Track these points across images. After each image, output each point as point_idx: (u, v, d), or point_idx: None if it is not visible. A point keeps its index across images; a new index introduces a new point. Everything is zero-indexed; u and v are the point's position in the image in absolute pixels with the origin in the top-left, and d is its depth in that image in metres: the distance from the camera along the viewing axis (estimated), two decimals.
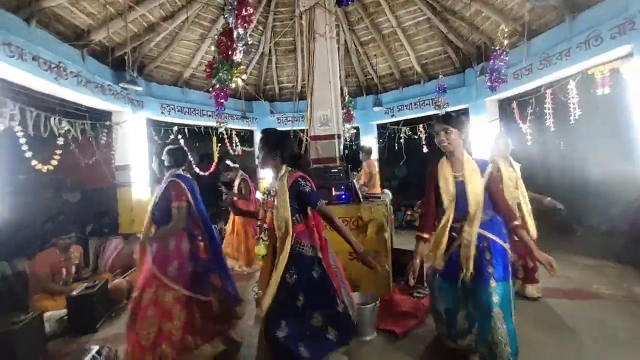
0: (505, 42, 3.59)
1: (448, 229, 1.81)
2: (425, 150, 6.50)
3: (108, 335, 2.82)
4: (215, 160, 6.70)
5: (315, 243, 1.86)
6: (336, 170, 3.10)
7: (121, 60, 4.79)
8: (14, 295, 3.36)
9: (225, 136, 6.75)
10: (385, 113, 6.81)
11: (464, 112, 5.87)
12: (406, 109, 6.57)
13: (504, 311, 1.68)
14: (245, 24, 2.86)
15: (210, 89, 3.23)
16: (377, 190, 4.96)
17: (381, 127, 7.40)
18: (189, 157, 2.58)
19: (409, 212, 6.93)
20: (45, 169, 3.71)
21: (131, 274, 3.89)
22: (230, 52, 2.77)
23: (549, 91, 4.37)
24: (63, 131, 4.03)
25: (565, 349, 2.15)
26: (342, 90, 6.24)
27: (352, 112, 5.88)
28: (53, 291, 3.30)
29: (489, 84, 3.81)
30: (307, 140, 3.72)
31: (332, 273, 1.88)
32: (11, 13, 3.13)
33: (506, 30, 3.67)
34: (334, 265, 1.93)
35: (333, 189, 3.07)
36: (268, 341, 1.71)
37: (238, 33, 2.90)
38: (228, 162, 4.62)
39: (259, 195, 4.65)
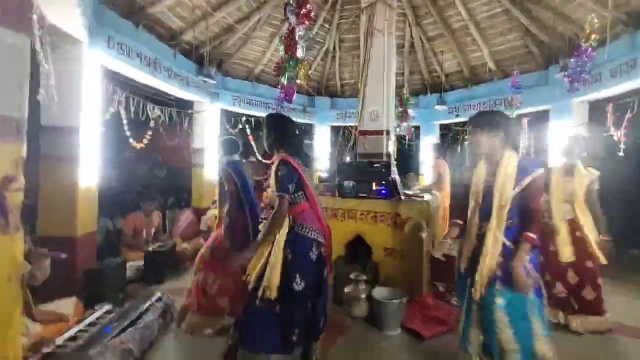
0: (593, 35, 3.07)
1: (473, 234, 1.76)
2: None
3: (171, 287, 3.37)
4: None
5: (316, 225, 1.83)
6: (378, 165, 3.12)
7: (203, 58, 5.51)
8: (112, 246, 4.23)
9: None
10: (449, 112, 6.42)
11: (544, 114, 5.21)
12: (473, 109, 6.07)
13: (512, 317, 1.61)
14: (306, 21, 3.07)
15: (279, 87, 3.57)
16: (446, 193, 4.59)
17: (444, 128, 7.00)
18: (240, 145, 2.84)
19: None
20: (138, 146, 4.53)
21: (195, 242, 4.53)
22: (294, 50, 3.02)
23: None
24: (155, 116, 4.86)
25: None
26: (402, 87, 6.10)
27: (409, 111, 5.70)
28: (133, 246, 4.06)
29: (568, 83, 3.31)
30: (355, 134, 3.80)
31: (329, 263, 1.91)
32: (124, 19, 3.90)
33: (596, 21, 3.14)
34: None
35: (373, 184, 3.11)
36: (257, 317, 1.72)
37: (300, 30, 3.13)
38: None
39: None
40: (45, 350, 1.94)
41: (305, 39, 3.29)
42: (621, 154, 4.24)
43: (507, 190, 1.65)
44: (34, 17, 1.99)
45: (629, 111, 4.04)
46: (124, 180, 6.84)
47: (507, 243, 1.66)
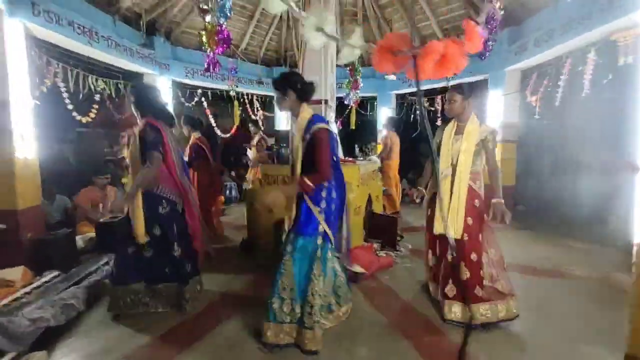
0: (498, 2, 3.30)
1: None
2: (439, 123, 6.29)
3: None
4: (237, 123, 7.23)
5: (167, 182, 2.24)
6: None
7: (151, 25, 5.29)
8: (69, 223, 4.27)
9: (247, 100, 7.17)
10: (403, 82, 6.63)
11: (483, 83, 5.53)
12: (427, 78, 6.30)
13: (294, 263, 1.86)
14: None
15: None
16: (395, 164, 5.04)
17: (400, 98, 7.23)
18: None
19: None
20: (84, 120, 4.46)
21: None
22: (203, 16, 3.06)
23: (569, 61, 3.96)
24: (99, 89, 4.74)
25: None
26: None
27: (359, 80, 5.85)
28: (92, 221, 4.15)
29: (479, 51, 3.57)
30: None
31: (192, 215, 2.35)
32: None
33: None
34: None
35: None
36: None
37: None
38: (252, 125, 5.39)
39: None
40: None
41: (220, 5, 3.27)
42: (537, 116, 4.70)
43: (299, 144, 1.88)
44: None
45: (546, 78, 4.41)
46: (82, 157, 6.68)
47: (306, 198, 1.88)
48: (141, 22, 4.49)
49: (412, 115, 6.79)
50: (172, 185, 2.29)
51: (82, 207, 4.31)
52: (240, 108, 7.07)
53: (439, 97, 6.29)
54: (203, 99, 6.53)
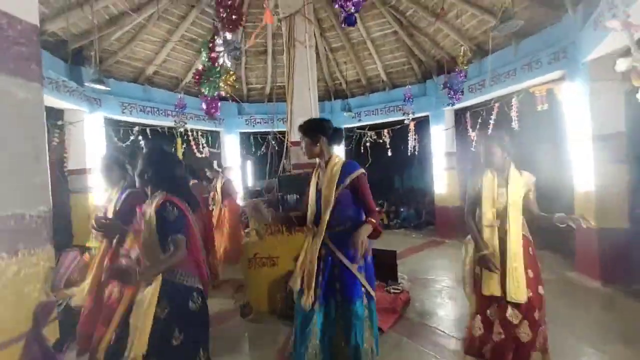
0: (461, 64, 4.07)
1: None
2: (389, 154, 6.90)
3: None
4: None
5: (194, 271, 1.66)
6: (304, 175, 3.21)
7: (76, 54, 4.36)
8: None
9: (191, 137, 6.48)
10: (352, 117, 7.10)
11: (425, 119, 6.41)
12: (372, 114, 6.93)
13: (344, 330, 1.72)
14: (235, 28, 2.86)
15: (202, 98, 3.21)
16: None
17: (348, 131, 7.69)
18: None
19: None
20: None
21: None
22: (217, 57, 2.76)
23: (496, 105, 4.98)
24: None
25: None
26: None
27: None
28: None
29: (449, 99, 4.28)
30: (287, 145, 3.81)
31: None
32: None
33: (469, 54, 4.15)
34: None
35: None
36: None
37: (225, 37, 2.90)
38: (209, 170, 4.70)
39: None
40: None
41: (232, 47, 3.08)
42: (473, 149, 5.66)
43: (331, 191, 1.72)
44: None
45: (479, 118, 5.43)
46: None
47: (337, 253, 1.73)
48: (93, 52, 3.63)
49: (361, 148, 7.26)
50: (198, 272, 1.67)
51: None
52: (184, 145, 6.33)
53: (386, 130, 6.95)
54: (140, 137, 5.61)
